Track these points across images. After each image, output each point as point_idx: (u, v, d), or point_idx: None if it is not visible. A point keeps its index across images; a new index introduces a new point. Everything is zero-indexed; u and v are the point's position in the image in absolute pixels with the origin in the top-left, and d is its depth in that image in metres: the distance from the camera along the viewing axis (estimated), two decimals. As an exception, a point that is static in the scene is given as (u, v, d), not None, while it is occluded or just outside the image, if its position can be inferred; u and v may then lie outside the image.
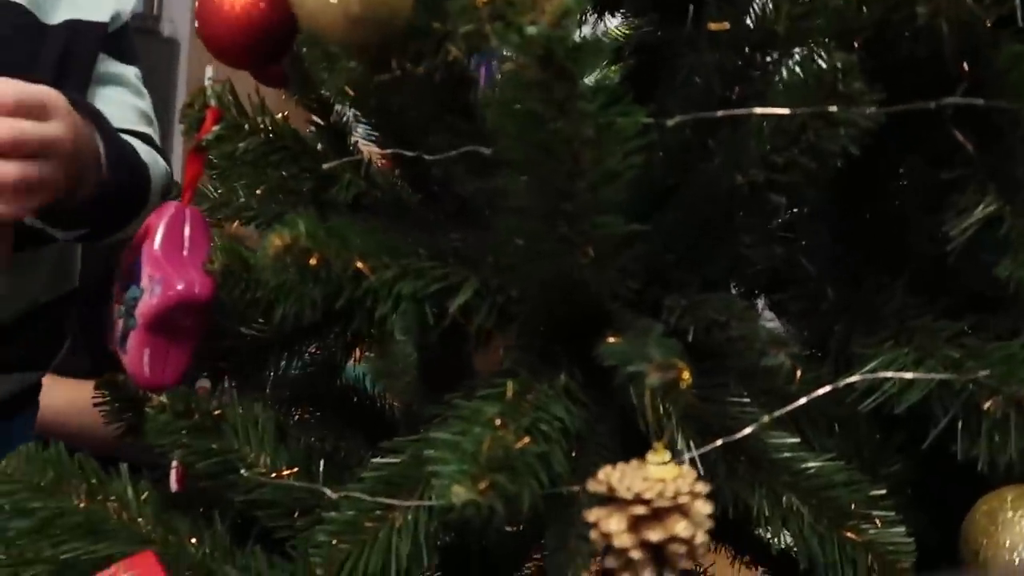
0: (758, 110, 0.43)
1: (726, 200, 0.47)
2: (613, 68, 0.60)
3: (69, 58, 0.80)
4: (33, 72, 0.74)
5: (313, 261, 0.44)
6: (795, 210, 0.61)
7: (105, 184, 0.70)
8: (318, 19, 0.47)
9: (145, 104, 0.89)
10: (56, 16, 0.80)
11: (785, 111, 0.42)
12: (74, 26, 0.80)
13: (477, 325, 0.48)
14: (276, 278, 0.47)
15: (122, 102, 0.85)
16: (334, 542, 0.46)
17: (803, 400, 0.43)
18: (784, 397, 0.47)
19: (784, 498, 0.46)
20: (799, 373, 0.47)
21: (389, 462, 0.49)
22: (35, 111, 0.61)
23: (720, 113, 0.44)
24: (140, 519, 0.49)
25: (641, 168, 0.42)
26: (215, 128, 0.53)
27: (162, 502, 0.52)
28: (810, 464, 0.46)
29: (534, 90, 0.37)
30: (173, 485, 0.53)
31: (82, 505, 0.48)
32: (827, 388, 0.44)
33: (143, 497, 0.49)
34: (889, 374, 0.44)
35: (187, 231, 0.54)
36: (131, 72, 0.88)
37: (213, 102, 0.53)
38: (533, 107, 0.37)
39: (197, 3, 0.56)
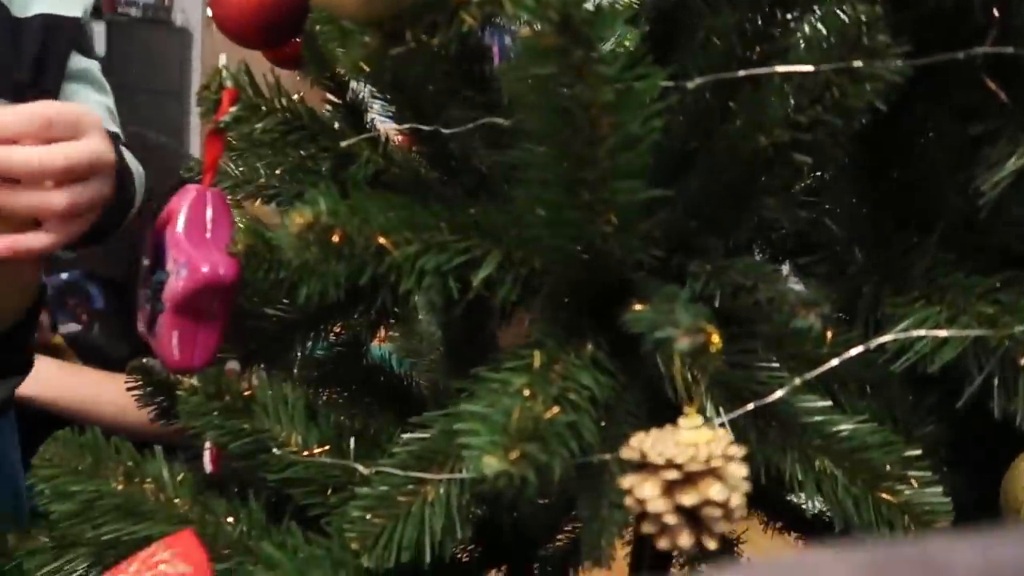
0: (780, 68, 0.42)
1: (749, 163, 0.46)
2: (630, 32, 0.59)
3: (47, 54, 0.78)
4: (15, 69, 0.72)
5: (335, 238, 0.44)
6: (819, 173, 0.60)
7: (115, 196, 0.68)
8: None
9: (110, 101, 0.87)
10: (29, 9, 0.77)
11: (808, 68, 0.41)
12: (49, 21, 0.78)
13: (501, 298, 0.48)
14: (299, 257, 0.47)
15: (94, 100, 0.83)
16: (368, 517, 0.46)
17: (834, 362, 0.42)
18: (814, 360, 0.46)
19: (817, 462, 0.46)
20: (830, 335, 0.46)
21: (419, 437, 0.49)
22: (70, 129, 0.57)
23: (741, 73, 0.43)
24: (177, 500, 0.49)
25: (661, 133, 0.41)
26: (232, 109, 0.53)
27: (198, 483, 0.52)
28: (842, 427, 0.46)
29: (551, 56, 0.37)
30: (208, 466, 0.54)
31: (120, 487, 0.48)
32: (858, 349, 0.43)
33: (179, 478, 0.50)
34: (922, 332, 0.43)
35: (209, 213, 0.54)
36: (95, 67, 0.86)
37: (229, 84, 0.53)
38: (550, 73, 0.37)
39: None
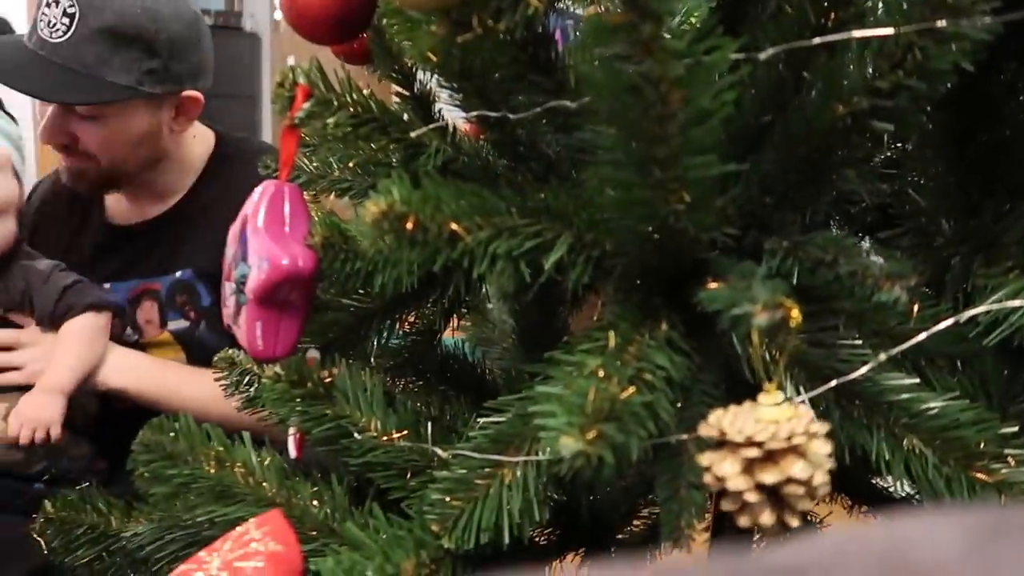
0: (857, 33, 0.41)
1: (826, 134, 0.45)
2: (699, 4, 0.58)
3: None
4: None
5: (409, 225, 0.44)
6: (900, 145, 0.58)
7: None
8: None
9: (13, 128, 0.90)
10: None
11: (888, 31, 0.39)
12: None
13: (573, 281, 0.48)
14: (374, 246, 0.48)
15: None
16: (447, 500, 0.47)
17: (922, 336, 0.41)
18: (900, 336, 0.45)
19: (905, 441, 0.44)
20: (916, 309, 0.44)
21: (495, 421, 0.50)
22: None
23: (816, 41, 0.42)
24: (265, 484, 0.51)
25: (734, 106, 0.41)
26: (306, 105, 0.54)
27: (284, 468, 0.54)
28: (932, 404, 0.44)
29: (618, 33, 0.36)
30: (292, 452, 0.56)
31: (212, 472, 0.51)
32: (948, 323, 0.42)
33: (266, 463, 0.52)
34: (1016, 303, 0.41)
35: (287, 208, 0.56)
36: None
37: (302, 80, 0.54)
38: (618, 50, 0.36)
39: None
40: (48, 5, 0.97)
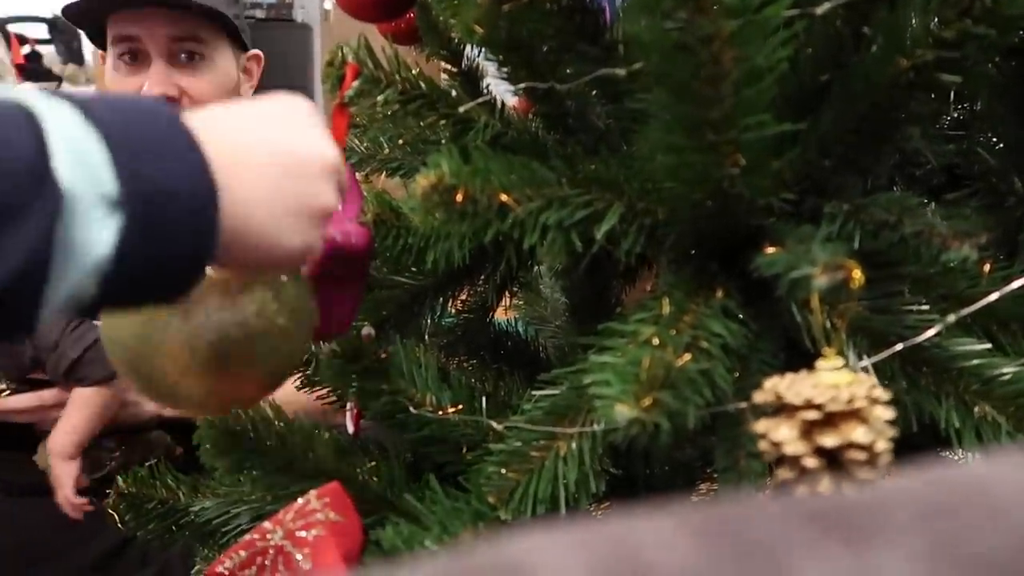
0: (921, -18, 0.39)
1: (888, 91, 0.43)
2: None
3: None
4: None
5: (459, 198, 0.44)
6: (967, 105, 0.55)
7: None
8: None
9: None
10: None
11: (953, -22, 0.38)
12: None
13: (624, 250, 0.47)
14: (425, 220, 0.48)
15: None
16: (503, 472, 0.47)
17: (993, 296, 0.39)
18: (969, 299, 0.43)
19: (976, 408, 0.42)
20: (987, 269, 0.42)
21: (549, 393, 0.50)
22: None
23: (876, -9, 0.40)
24: (325, 459, 0.52)
25: (789, 65, 0.39)
26: (355, 84, 0.54)
27: (342, 443, 0.55)
28: (1005, 370, 0.42)
29: (667, -10, 0.35)
30: (349, 427, 0.56)
31: (274, 446, 0.52)
32: (1020, 283, 0.40)
33: (326, 438, 0.53)
34: (1096, 262, 0.39)
35: (339, 186, 0.56)
36: None
37: (351, 59, 0.55)
38: (668, 7, 0.35)
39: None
40: None
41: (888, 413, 0.33)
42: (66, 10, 1.01)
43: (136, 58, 1.00)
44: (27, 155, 0.29)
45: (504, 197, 0.45)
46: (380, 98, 0.58)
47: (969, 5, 0.37)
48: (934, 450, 0.56)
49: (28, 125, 0.29)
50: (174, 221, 0.31)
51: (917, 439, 0.44)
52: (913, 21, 0.40)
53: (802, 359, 0.43)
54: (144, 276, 0.31)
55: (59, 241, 0.29)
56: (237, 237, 0.34)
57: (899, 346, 0.40)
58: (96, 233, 0.30)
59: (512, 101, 0.68)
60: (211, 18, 1.00)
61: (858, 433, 0.32)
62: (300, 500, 0.44)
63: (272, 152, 0.35)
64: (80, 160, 0.29)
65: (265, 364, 0.43)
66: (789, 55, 0.38)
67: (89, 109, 0.31)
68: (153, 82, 0.98)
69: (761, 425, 0.34)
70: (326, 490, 0.45)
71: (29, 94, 0.31)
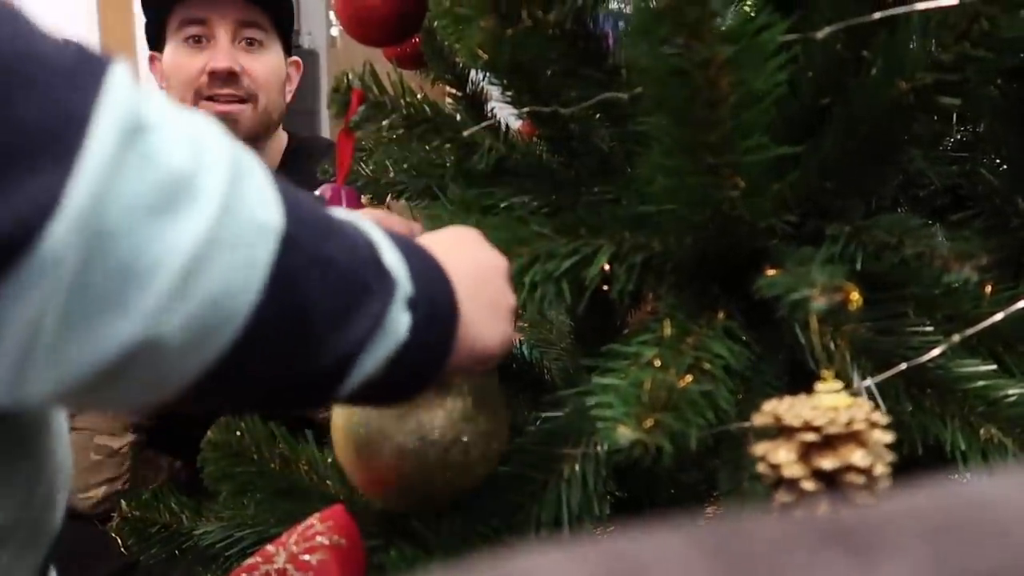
0: (920, 6, 0.39)
1: (889, 113, 0.43)
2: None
3: None
4: None
5: None
6: (970, 127, 0.55)
7: None
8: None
9: None
10: None
11: (952, 1, 0.38)
12: None
13: (617, 291, 0.47)
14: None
15: None
16: (508, 494, 0.47)
17: (998, 316, 0.39)
18: (973, 321, 0.43)
19: (982, 430, 0.42)
20: (989, 290, 0.42)
21: (553, 415, 0.50)
22: None
23: (877, 15, 0.40)
24: (328, 481, 0.52)
25: (789, 89, 0.39)
26: (361, 109, 0.55)
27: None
28: (1010, 391, 0.42)
29: (665, 16, 0.36)
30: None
31: (277, 469, 0.52)
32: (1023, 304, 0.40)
33: (329, 460, 0.53)
34: (1099, 283, 0.39)
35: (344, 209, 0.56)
36: None
37: (356, 84, 0.55)
38: (665, 34, 0.36)
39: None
40: None
41: (887, 437, 0.33)
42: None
43: (200, 40, 1.09)
44: (370, 250, 0.34)
45: None
46: (385, 123, 0.58)
47: (967, 28, 0.38)
48: (939, 472, 0.56)
49: (364, 231, 0.35)
50: (440, 323, 0.37)
51: (922, 461, 0.43)
52: (912, 44, 0.40)
53: (806, 380, 0.42)
54: (411, 370, 0.36)
55: (384, 320, 0.34)
56: (461, 339, 0.38)
57: (903, 366, 0.39)
58: (401, 321, 0.35)
59: (516, 125, 0.69)
60: (273, 9, 1.10)
61: (856, 456, 0.31)
62: (304, 523, 0.44)
63: (469, 267, 0.41)
64: (395, 262, 0.35)
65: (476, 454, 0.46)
66: (787, 79, 0.38)
67: (379, 227, 0.37)
68: (219, 57, 1.07)
69: (760, 447, 0.34)
70: (330, 513, 0.45)
71: (347, 211, 0.37)
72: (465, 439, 0.44)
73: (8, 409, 0.27)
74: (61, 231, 0.23)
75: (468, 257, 0.42)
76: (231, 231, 0.27)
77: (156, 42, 1.15)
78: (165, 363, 0.27)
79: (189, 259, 0.26)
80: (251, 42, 1.11)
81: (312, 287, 0.31)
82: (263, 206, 0.29)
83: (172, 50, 1.11)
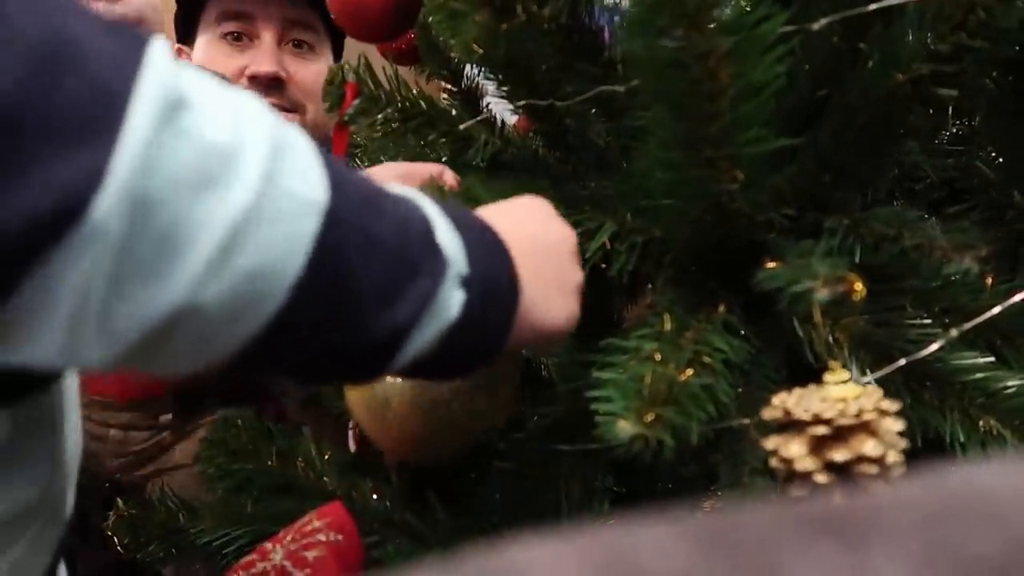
0: (915, -3, 0.39)
1: (886, 105, 0.43)
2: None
3: None
4: None
5: None
6: (965, 120, 0.55)
7: None
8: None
9: None
10: None
11: (948, -7, 0.38)
12: None
13: (617, 269, 0.47)
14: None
15: None
16: (505, 490, 0.47)
17: (996, 309, 0.39)
18: (971, 313, 0.43)
19: (981, 422, 0.42)
20: (989, 283, 0.42)
21: (551, 410, 0.49)
22: None
23: (873, 6, 0.40)
24: (325, 478, 0.52)
25: (787, 81, 0.39)
26: (355, 102, 0.55)
27: (343, 462, 0.55)
28: (1009, 383, 0.42)
29: (663, 7, 0.36)
30: (351, 445, 0.56)
31: (275, 466, 0.51)
32: (1022, 296, 0.40)
33: (326, 457, 0.52)
34: (1098, 274, 0.39)
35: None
36: None
37: (350, 78, 0.55)
38: (664, 25, 0.35)
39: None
40: None
41: (898, 425, 0.32)
42: None
43: (240, 39, 0.94)
44: (424, 228, 0.34)
45: None
46: (380, 117, 0.58)
47: (963, 19, 0.37)
48: (940, 465, 0.56)
49: (418, 208, 0.35)
50: (497, 302, 0.37)
51: (923, 454, 0.43)
52: (909, 36, 0.40)
53: (804, 373, 0.42)
54: (465, 348, 0.36)
55: (435, 298, 0.34)
56: (522, 317, 0.38)
57: (902, 361, 0.39)
58: (454, 300, 0.34)
59: (512, 120, 0.69)
60: (326, 8, 0.95)
61: (868, 446, 0.31)
62: (301, 520, 0.44)
63: (534, 242, 0.40)
64: (450, 240, 0.35)
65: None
66: (786, 71, 0.38)
67: (439, 203, 0.37)
68: (263, 60, 0.92)
69: (771, 442, 0.34)
70: (327, 510, 0.44)
71: (404, 187, 0.37)
72: (472, 389, 0.45)
73: (61, 370, 0.28)
74: (107, 202, 0.24)
75: (533, 231, 0.41)
76: (273, 205, 0.28)
77: (186, 35, 0.99)
78: (208, 329, 0.28)
79: (228, 231, 0.27)
80: (299, 44, 0.95)
81: (358, 263, 0.31)
82: (307, 181, 0.29)
83: (206, 45, 0.96)
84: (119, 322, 0.26)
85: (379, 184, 0.34)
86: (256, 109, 0.29)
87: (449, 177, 0.52)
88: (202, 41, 0.97)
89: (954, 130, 0.56)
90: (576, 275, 0.42)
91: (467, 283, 0.35)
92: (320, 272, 0.29)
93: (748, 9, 0.37)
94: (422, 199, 0.36)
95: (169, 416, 0.87)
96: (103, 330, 0.26)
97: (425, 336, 0.34)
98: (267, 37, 0.94)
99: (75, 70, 0.25)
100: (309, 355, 0.32)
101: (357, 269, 0.31)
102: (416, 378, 0.39)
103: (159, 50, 0.27)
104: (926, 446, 0.43)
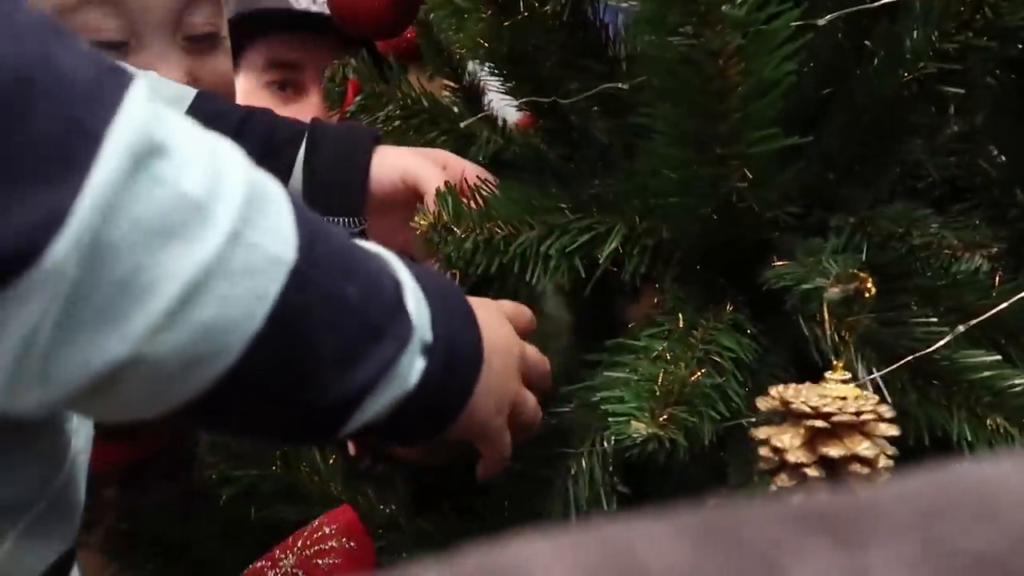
0: (922, -6, 0.39)
1: (891, 102, 0.43)
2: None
3: None
4: None
5: (459, 233, 0.44)
6: (968, 118, 0.56)
7: None
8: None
9: None
10: None
11: (955, -9, 0.38)
12: None
13: (629, 272, 0.47)
14: (429, 254, 0.48)
15: None
16: (515, 492, 0.46)
17: (1002, 306, 0.39)
18: (977, 312, 0.43)
19: (988, 420, 0.42)
20: (999, 279, 0.42)
21: (558, 411, 0.49)
22: None
23: (877, 3, 0.40)
24: (331, 484, 0.51)
25: (794, 77, 0.39)
26: (357, 99, 0.54)
27: (348, 467, 0.54)
28: (1016, 381, 0.42)
29: (674, 3, 0.35)
30: (351, 448, 0.56)
31: (280, 472, 0.51)
32: (1030, 294, 0.40)
33: (331, 462, 0.52)
34: (1106, 271, 0.39)
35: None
36: None
37: (352, 75, 0.55)
38: (674, 21, 0.35)
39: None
40: None
41: (892, 430, 0.32)
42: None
43: (285, 87, 0.88)
44: (393, 291, 0.34)
45: (503, 229, 0.45)
46: (382, 113, 0.58)
47: (970, 18, 0.37)
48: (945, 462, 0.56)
49: (390, 269, 0.35)
50: (454, 375, 0.36)
51: (929, 452, 0.43)
52: (914, 34, 0.40)
53: (810, 372, 0.42)
54: (418, 416, 0.35)
55: (396, 364, 0.33)
56: (478, 393, 0.37)
57: (908, 359, 0.39)
58: (412, 370, 0.34)
59: (514, 118, 0.68)
60: None
61: (862, 446, 0.31)
62: (311, 525, 0.43)
63: (498, 344, 0.39)
64: (417, 309, 0.34)
65: None
66: (795, 67, 0.38)
67: (410, 266, 0.36)
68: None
69: (763, 431, 0.34)
70: (337, 514, 0.44)
71: (378, 247, 0.36)
72: None
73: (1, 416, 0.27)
74: (65, 246, 0.24)
75: (501, 336, 0.40)
76: (240, 260, 0.27)
77: None
78: (157, 380, 0.27)
79: (191, 284, 0.26)
80: None
81: (321, 323, 0.30)
82: (278, 237, 0.29)
83: (248, 91, 0.88)
84: (64, 368, 0.26)
85: (352, 242, 0.34)
86: (235, 160, 0.28)
87: (470, 170, 0.51)
88: (244, 84, 0.89)
89: (957, 127, 0.56)
90: (513, 387, 0.41)
91: (429, 351, 0.34)
92: (280, 330, 0.29)
93: (758, 6, 0.37)
94: (395, 260, 0.36)
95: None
96: (46, 375, 0.26)
97: (380, 402, 0.33)
98: (316, 92, 0.85)
99: (49, 102, 0.24)
100: (259, 412, 0.31)
101: (319, 330, 0.30)
102: (364, 443, 0.39)
103: (141, 90, 0.26)
104: (933, 444, 0.43)
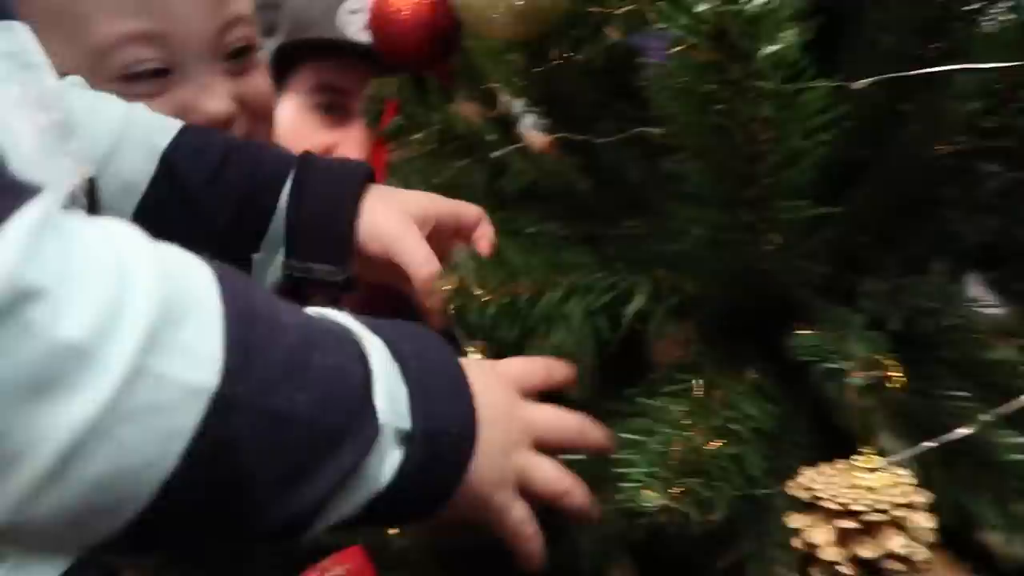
0: (960, 67, 0.38)
1: (927, 172, 0.42)
2: (792, 35, 0.56)
3: None
4: None
5: (480, 296, 0.44)
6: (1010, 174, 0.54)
7: None
8: (482, 15, 0.48)
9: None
10: None
11: (994, 65, 0.36)
12: None
13: (653, 331, 0.46)
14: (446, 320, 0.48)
15: None
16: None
17: (1037, 390, 0.37)
18: (1011, 390, 0.42)
19: (1012, 507, 0.41)
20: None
21: (574, 458, 0.49)
22: None
23: (915, 72, 0.39)
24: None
25: (827, 148, 0.38)
26: (395, 119, 0.55)
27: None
28: (1047, 467, 0.41)
29: (707, 72, 0.35)
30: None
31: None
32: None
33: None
34: None
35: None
36: None
37: (392, 95, 0.55)
38: (707, 90, 0.35)
39: (370, 11, 0.58)
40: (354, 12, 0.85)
41: (928, 521, 0.32)
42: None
43: (331, 109, 0.87)
44: (359, 383, 0.31)
45: (525, 291, 0.45)
46: (418, 136, 0.57)
47: (1009, 97, 0.36)
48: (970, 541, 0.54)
49: (359, 356, 0.32)
50: (442, 462, 0.34)
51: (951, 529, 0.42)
52: (952, 105, 0.39)
53: (834, 437, 0.41)
54: (404, 503, 0.34)
55: (360, 468, 0.31)
56: (465, 489, 0.35)
57: (934, 442, 0.38)
58: (385, 466, 0.32)
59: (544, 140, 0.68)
60: None
61: (896, 543, 0.30)
62: (319, 566, 0.43)
63: (497, 413, 0.37)
64: (391, 396, 0.32)
65: None
66: (829, 138, 0.37)
67: (392, 340, 0.34)
68: (355, 146, 0.83)
69: (795, 519, 0.33)
70: (346, 555, 0.44)
71: (347, 318, 0.33)
72: None
73: None
74: None
75: (504, 406, 0.38)
76: (140, 399, 0.25)
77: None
78: (49, 536, 0.26)
79: (71, 442, 0.24)
80: None
81: (256, 450, 0.28)
82: (194, 362, 0.26)
83: (294, 111, 0.87)
84: None
85: (318, 328, 0.31)
86: (147, 274, 0.26)
87: (485, 235, 0.51)
88: (291, 104, 0.88)
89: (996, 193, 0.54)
90: (519, 459, 0.38)
91: (408, 439, 0.33)
92: (201, 466, 0.26)
93: (792, 74, 0.36)
94: (367, 338, 0.33)
95: None
96: None
97: (349, 503, 0.31)
98: (360, 121, 0.81)
99: None
100: (193, 544, 0.30)
101: (255, 454, 0.28)
102: (348, 531, 0.37)
103: (20, 227, 0.23)
104: (959, 520, 0.42)
